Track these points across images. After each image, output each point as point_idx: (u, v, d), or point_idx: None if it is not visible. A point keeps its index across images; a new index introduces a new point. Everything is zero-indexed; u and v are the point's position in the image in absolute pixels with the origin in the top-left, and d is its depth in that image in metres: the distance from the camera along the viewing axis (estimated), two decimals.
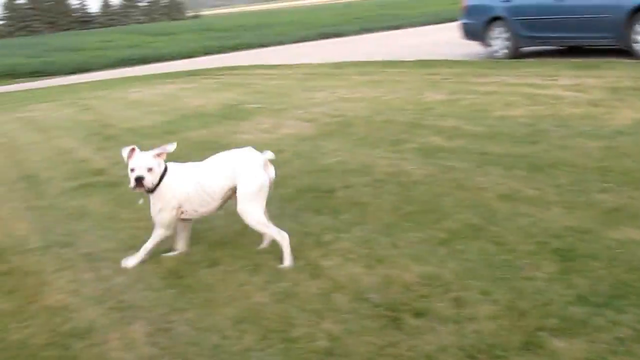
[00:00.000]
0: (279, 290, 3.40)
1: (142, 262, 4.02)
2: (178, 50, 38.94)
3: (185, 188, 3.94)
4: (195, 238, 4.34)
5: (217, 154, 4.11)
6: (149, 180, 3.86)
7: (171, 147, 3.99)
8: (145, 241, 4.08)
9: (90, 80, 23.72)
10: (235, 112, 9.55)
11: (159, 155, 3.94)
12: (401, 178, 5.23)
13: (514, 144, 5.88)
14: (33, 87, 24.14)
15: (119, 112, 11.45)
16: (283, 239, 3.80)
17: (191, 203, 3.98)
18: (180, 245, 4.19)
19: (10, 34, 79.49)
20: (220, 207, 4.08)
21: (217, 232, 4.44)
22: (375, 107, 8.59)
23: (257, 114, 9.15)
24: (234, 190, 3.90)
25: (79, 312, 3.44)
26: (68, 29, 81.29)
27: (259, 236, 4.15)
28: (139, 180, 3.83)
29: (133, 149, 3.93)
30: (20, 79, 34.01)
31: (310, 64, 16.50)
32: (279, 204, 4.88)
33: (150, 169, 3.85)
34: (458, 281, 3.27)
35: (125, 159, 3.92)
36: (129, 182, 3.91)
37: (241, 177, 3.84)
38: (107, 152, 7.58)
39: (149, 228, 4.50)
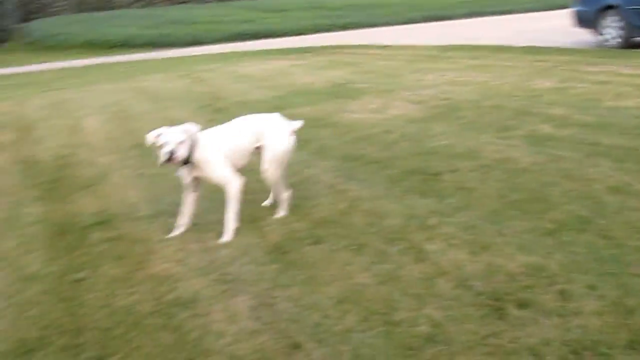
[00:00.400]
0: (382, 272, 3.38)
1: (247, 236, 4.11)
2: (289, 27, 39.42)
3: (222, 147, 4.25)
4: (300, 214, 4.40)
5: (246, 116, 4.59)
6: (180, 152, 4.03)
7: (194, 127, 4.17)
8: (248, 214, 4.17)
9: (203, 53, 24.43)
10: (344, 91, 9.55)
11: (185, 131, 4.10)
12: (508, 165, 5.10)
13: (625, 135, 5.64)
14: (147, 58, 25.16)
15: (230, 85, 11.73)
16: (287, 194, 4.46)
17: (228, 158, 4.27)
18: (184, 221, 4.39)
19: (128, 5, 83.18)
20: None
21: (322, 210, 4.46)
22: (484, 92, 8.40)
23: (366, 93, 9.11)
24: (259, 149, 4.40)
25: (184, 282, 3.56)
26: (184, 2, 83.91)
27: (363, 217, 4.17)
28: (171, 154, 4.00)
29: (159, 134, 4.10)
30: (136, 50, 35.58)
31: (419, 45, 16.33)
32: (386, 184, 4.86)
33: (180, 143, 4.03)
34: (564, 274, 3.16)
35: (152, 141, 4.11)
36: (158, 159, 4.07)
37: (268, 139, 4.35)
38: (216, 123, 7.74)
39: (256, 201, 4.62)
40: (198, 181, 4.34)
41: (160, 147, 4.04)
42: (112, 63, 23.77)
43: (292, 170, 5.49)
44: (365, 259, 3.57)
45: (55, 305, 3.47)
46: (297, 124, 4.55)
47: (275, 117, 4.57)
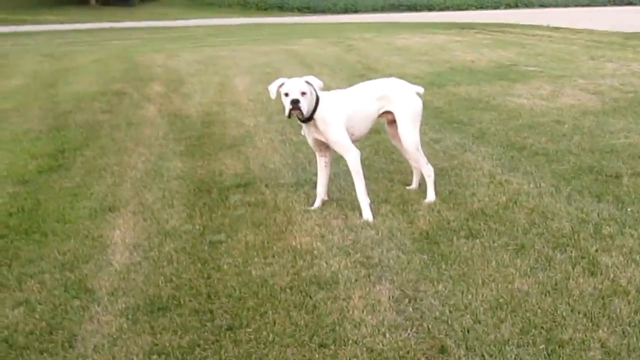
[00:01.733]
0: (546, 281, 3.10)
1: (393, 219, 3.96)
2: (451, 1, 38.59)
3: (344, 111, 4.10)
4: (453, 202, 4.19)
5: (367, 82, 4.51)
6: (304, 103, 3.91)
7: (318, 82, 4.01)
8: (396, 196, 4.00)
9: (357, 21, 24.45)
10: (510, 73, 9.12)
11: (308, 83, 3.96)
12: None
13: None
14: (300, 22, 25.57)
15: (384, 56, 11.59)
16: (430, 170, 4.29)
17: (349, 124, 4.13)
18: (319, 189, 4.33)
19: None
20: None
21: (479, 201, 4.21)
22: None
23: (534, 77, 8.64)
24: (386, 118, 4.34)
25: (323, 260, 3.47)
26: None
27: (525, 214, 3.89)
28: (295, 103, 3.88)
29: (282, 83, 4.00)
30: (289, 13, 36.34)
31: (597, 31, 15.35)
32: (554, 181, 4.52)
33: (303, 93, 3.90)
34: None
35: (275, 91, 4.03)
36: (284, 110, 3.98)
37: (397, 103, 4.22)
38: None
39: (402, 181, 4.48)
40: (322, 145, 4.23)
41: (285, 95, 3.97)
42: (265, 24, 24.35)
43: (448, 154, 5.29)
44: (526, 263, 3.30)
45: (190, 265, 3.50)
46: (420, 89, 4.40)
47: (397, 80, 4.49)
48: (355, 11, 36.98)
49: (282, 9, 38.15)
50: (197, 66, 11.15)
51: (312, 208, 4.27)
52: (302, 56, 12.04)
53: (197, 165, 5.38)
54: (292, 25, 22.96)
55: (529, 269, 3.23)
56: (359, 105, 4.21)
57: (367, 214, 4.03)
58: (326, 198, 4.37)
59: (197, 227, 4.04)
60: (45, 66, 12.28)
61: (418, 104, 4.28)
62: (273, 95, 4.08)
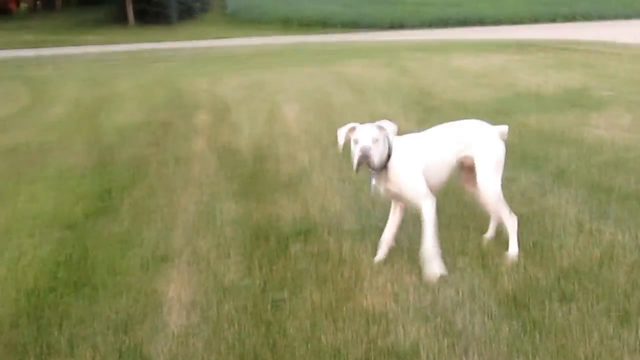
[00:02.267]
0: None
1: (474, 276, 3.75)
2: (503, 15, 38.28)
3: (421, 159, 3.89)
4: (540, 257, 3.96)
5: (445, 124, 4.20)
6: (376, 152, 3.69)
7: (392, 126, 3.79)
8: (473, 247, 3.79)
9: (405, 38, 24.34)
10: (582, 99, 8.82)
11: (381, 128, 3.75)
12: None
13: None
14: (347, 40, 25.54)
15: (440, 80, 11.39)
16: (513, 222, 4.02)
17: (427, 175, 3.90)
18: (385, 241, 4.10)
19: None
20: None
21: (569, 255, 3.96)
22: None
23: (610, 104, 8.34)
24: (462, 163, 4.07)
25: (400, 325, 3.27)
26: None
27: (625, 272, 3.64)
28: (365, 151, 3.64)
29: (353, 128, 3.77)
30: (333, 29, 36.42)
31: None
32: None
33: (376, 140, 3.68)
34: None
35: (344, 136, 3.80)
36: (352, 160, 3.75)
37: (478, 148, 3.98)
38: (428, 126, 7.44)
39: (478, 229, 4.27)
40: (396, 196, 4.00)
41: (355, 143, 3.73)
42: (309, 43, 24.37)
43: (526, 196, 5.05)
44: (634, 336, 3.04)
45: (253, 329, 3.34)
46: (504, 128, 4.14)
47: (480, 122, 4.21)
48: (402, 27, 36.89)
49: (325, 25, 38.26)
50: (243, 92, 11.10)
51: (378, 258, 4.08)
52: (353, 80, 11.92)
53: (252, 207, 5.25)
54: (337, 44, 22.93)
55: (638, 343, 2.97)
56: (438, 153, 4.00)
57: (439, 269, 3.81)
58: (394, 244, 4.16)
59: (257, 282, 3.88)
60: (86, 93, 12.40)
61: (502, 149, 4.05)
62: (341, 142, 3.87)
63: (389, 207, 4.90)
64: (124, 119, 9.25)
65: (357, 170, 3.80)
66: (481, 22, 36.60)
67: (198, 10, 46.74)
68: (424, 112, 8.31)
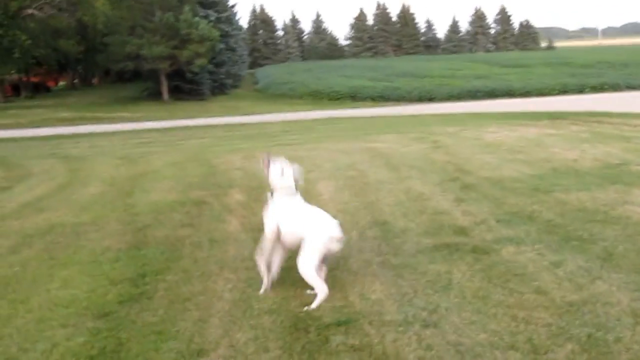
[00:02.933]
0: None
1: None
2: (531, 86, 38.31)
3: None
4: (597, 351, 3.69)
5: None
6: None
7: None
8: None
9: (435, 111, 24.37)
10: (622, 174, 8.58)
11: None
12: None
13: None
14: (376, 114, 25.64)
15: (475, 155, 11.22)
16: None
17: None
18: None
19: (355, 55, 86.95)
20: None
21: (627, 349, 3.69)
22: None
23: None
24: None
25: None
26: (413, 53, 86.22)
27: None
28: None
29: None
30: (362, 103, 36.73)
31: None
32: None
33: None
34: None
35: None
36: None
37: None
38: (467, 206, 7.29)
39: (527, 318, 4.04)
40: None
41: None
42: (340, 117, 24.49)
43: (574, 282, 4.81)
44: None
45: None
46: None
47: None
48: (430, 99, 37.07)
49: (354, 98, 38.63)
50: None
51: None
52: (387, 156, 11.81)
53: (289, 294, 5.06)
54: (368, 118, 23.01)
55: None
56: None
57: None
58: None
59: None
60: (121, 171, 12.44)
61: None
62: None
63: (431, 294, 4.74)
64: (158, 197, 9.20)
65: None
66: (510, 93, 36.62)
67: (230, 86, 47.69)
68: (461, 191, 8.11)
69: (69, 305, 5.12)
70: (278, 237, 5.15)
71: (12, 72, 45.68)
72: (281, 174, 5.18)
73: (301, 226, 5.06)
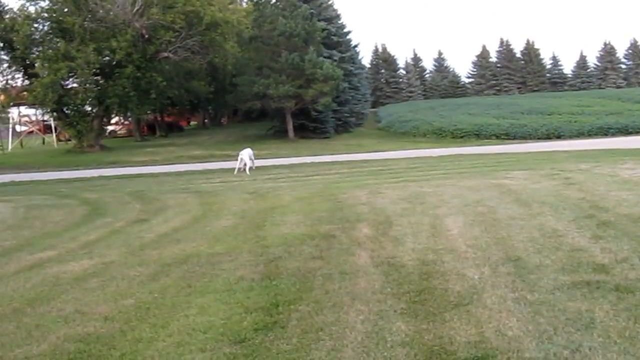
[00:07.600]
0: None
1: None
2: None
3: None
4: None
5: None
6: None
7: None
8: None
9: (563, 148, 23.52)
10: None
11: None
12: None
13: None
14: (502, 151, 25.06)
15: (611, 191, 10.71)
16: None
17: None
18: None
19: (478, 93, 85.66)
20: None
21: None
22: None
23: None
24: None
25: None
26: (537, 90, 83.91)
27: None
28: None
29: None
30: (487, 140, 36.05)
31: None
32: None
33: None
34: None
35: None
36: None
37: None
38: (606, 243, 6.95)
39: None
40: None
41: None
42: (464, 154, 24.14)
43: None
44: None
45: None
46: None
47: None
48: (559, 137, 35.90)
49: (479, 136, 37.98)
50: (403, 204, 10.97)
51: None
52: (516, 192, 11.47)
53: (423, 328, 4.97)
54: (494, 155, 22.54)
55: None
56: None
57: None
58: None
59: None
60: (251, 205, 12.77)
61: None
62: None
63: (572, 332, 4.54)
64: (288, 230, 9.35)
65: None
66: None
67: (353, 125, 48.20)
68: (598, 228, 7.74)
69: (206, 330, 5.27)
70: None
71: (149, 112, 48.22)
72: None
73: None
